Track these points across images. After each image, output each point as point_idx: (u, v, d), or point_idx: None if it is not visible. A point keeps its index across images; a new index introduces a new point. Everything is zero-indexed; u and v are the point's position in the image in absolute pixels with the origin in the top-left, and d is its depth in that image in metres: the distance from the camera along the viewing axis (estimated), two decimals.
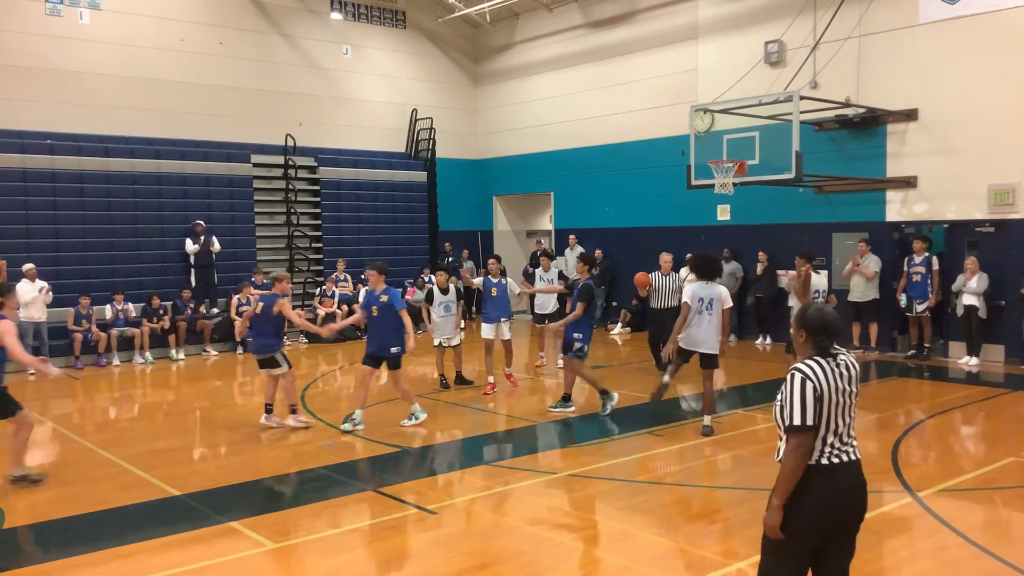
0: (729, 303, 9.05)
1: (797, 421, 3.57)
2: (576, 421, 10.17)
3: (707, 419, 9.05)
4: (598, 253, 19.12)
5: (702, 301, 8.88)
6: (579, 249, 19.40)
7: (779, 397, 3.71)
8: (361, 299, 10.09)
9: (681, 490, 7.05)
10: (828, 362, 3.68)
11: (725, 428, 9.25)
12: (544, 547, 5.94)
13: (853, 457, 3.70)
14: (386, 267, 9.66)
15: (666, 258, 12.21)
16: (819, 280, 10.28)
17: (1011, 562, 5.46)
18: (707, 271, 9.05)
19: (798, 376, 3.63)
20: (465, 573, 5.50)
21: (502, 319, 11.67)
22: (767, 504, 3.68)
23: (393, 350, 9.34)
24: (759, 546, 5.71)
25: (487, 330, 11.64)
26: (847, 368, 3.72)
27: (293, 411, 9.70)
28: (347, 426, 9.31)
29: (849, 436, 3.72)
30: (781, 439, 3.70)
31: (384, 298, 9.31)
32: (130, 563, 5.75)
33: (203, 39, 18.39)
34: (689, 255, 9.56)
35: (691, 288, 8.97)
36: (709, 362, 8.98)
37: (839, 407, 3.66)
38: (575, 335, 9.85)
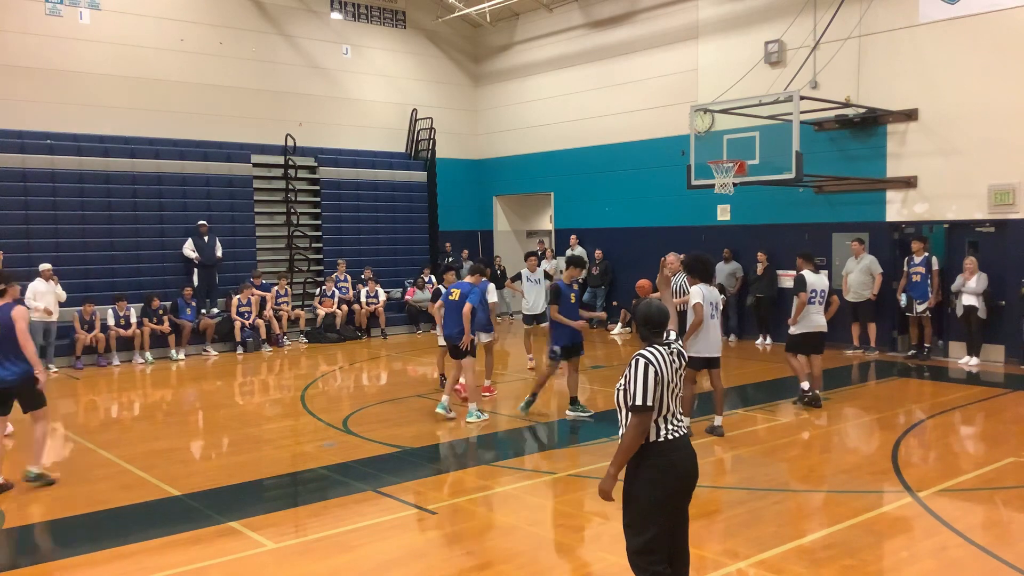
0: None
1: (639, 401, 3.99)
2: (576, 421, 10.17)
3: (718, 419, 9.07)
4: (598, 253, 19.13)
5: (712, 305, 8.83)
6: (579, 249, 19.44)
7: (622, 380, 4.12)
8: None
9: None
10: (664, 350, 4.14)
11: (725, 428, 9.24)
12: (544, 547, 5.94)
13: (684, 432, 4.19)
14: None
15: (671, 259, 11.89)
16: (818, 280, 10.23)
17: (1011, 562, 5.46)
18: (707, 273, 8.96)
19: (642, 361, 4.06)
20: (465, 573, 5.50)
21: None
22: (605, 473, 4.13)
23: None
24: (759, 546, 5.75)
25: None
26: (677, 356, 4.20)
27: None
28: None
29: (680, 414, 4.22)
30: (621, 420, 4.13)
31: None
32: (130, 563, 5.75)
33: (203, 39, 18.38)
34: (684, 256, 9.37)
35: (700, 290, 8.71)
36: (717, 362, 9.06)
37: (672, 389, 4.12)
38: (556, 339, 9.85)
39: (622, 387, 4.10)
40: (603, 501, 4.23)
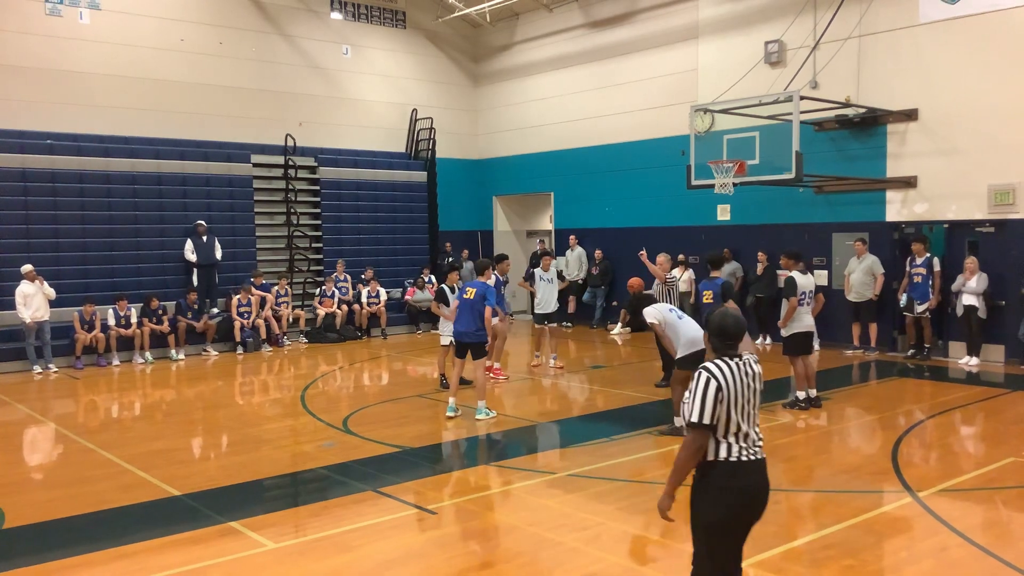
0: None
1: (695, 418, 3.76)
2: (576, 421, 10.18)
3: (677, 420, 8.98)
4: (598, 253, 19.13)
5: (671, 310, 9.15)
6: (579, 249, 19.44)
7: (688, 392, 3.88)
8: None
9: (681, 490, 7.02)
10: (735, 363, 3.84)
11: None
12: (544, 547, 5.94)
13: (759, 456, 3.88)
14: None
15: (661, 260, 11.96)
16: (807, 281, 10.21)
17: (1011, 562, 5.46)
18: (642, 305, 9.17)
19: (704, 375, 3.80)
20: (465, 573, 5.50)
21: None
22: (663, 491, 3.98)
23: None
24: (759, 546, 5.74)
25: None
26: (751, 367, 3.90)
27: None
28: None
29: (757, 436, 3.90)
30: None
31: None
32: (130, 563, 5.75)
33: (203, 39, 18.38)
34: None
35: (654, 310, 9.11)
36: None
37: (742, 406, 3.82)
38: None
39: (686, 400, 3.89)
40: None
